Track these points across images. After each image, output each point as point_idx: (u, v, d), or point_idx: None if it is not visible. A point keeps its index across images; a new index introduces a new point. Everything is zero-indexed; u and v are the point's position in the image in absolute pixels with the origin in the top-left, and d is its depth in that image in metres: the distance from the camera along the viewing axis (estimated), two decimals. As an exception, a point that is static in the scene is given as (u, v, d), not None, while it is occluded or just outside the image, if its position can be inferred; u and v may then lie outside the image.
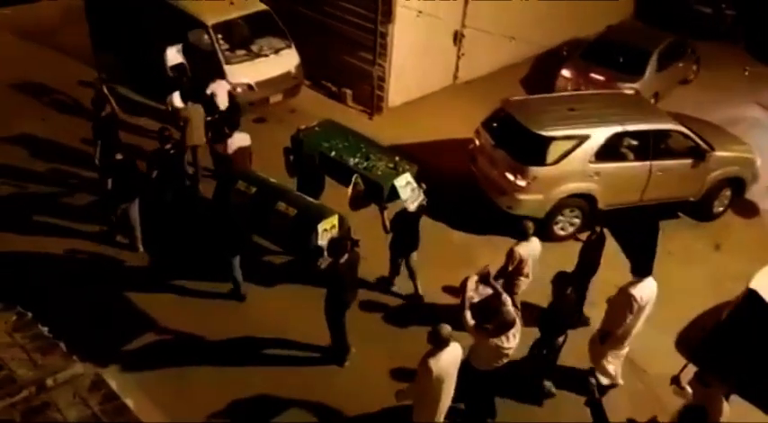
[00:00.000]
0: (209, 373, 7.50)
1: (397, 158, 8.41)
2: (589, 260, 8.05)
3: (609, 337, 7.12)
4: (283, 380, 7.43)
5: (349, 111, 12.58)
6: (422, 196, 8.05)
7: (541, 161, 9.33)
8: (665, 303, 7.42)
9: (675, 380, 6.48)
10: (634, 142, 9.79)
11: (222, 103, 10.38)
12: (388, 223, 7.98)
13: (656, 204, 9.95)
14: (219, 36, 11.44)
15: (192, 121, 9.64)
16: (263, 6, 12.00)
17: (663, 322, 7.91)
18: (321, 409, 7.22)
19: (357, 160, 8.36)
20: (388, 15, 11.75)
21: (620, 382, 7.52)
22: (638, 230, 7.88)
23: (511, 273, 7.73)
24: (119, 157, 8.71)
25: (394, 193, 7.96)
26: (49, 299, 7.51)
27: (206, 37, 11.41)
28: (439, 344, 5.95)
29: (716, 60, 14.44)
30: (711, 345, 7.64)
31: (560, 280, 6.90)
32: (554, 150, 9.32)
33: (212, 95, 10.35)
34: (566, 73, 12.91)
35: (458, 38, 12.92)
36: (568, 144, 9.36)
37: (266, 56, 11.82)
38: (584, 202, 9.67)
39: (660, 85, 12.98)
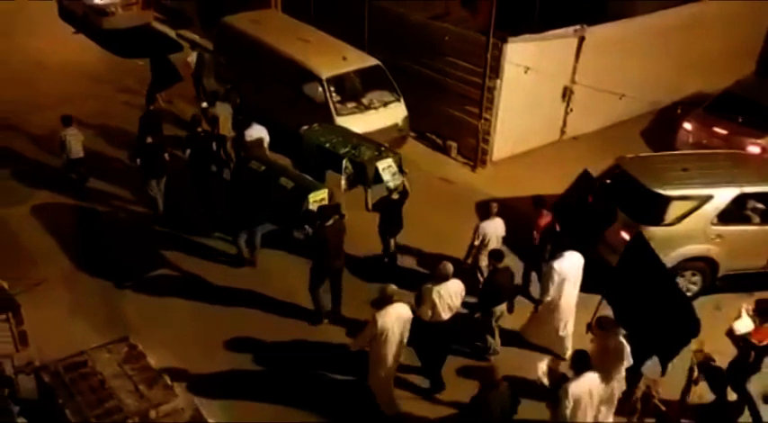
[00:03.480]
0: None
1: (382, 148, 9.95)
2: (541, 242, 8.89)
3: (538, 306, 8.27)
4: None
5: (452, 162, 12.65)
6: (401, 179, 9.33)
7: (659, 221, 8.97)
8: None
9: (590, 327, 7.29)
10: (760, 205, 9.25)
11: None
12: (370, 202, 9.28)
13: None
14: (332, 89, 11.92)
15: (220, 118, 11.39)
16: (374, 61, 12.43)
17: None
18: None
19: (347, 149, 9.94)
20: (496, 71, 11.82)
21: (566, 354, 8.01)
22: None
23: (477, 247, 8.85)
24: (149, 140, 10.40)
25: (379, 177, 9.29)
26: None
27: (320, 89, 11.92)
28: (383, 300, 7.08)
29: None
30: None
31: (493, 255, 8.13)
32: (673, 210, 8.98)
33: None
34: (687, 126, 12.48)
35: (567, 94, 12.77)
36: (689, 204, 9.00)
37: (375, 108, 12.19)
38: (704, 265, 9.19)
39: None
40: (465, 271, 8.65)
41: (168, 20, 18.23)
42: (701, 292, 9.36)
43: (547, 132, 13.03)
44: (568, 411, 6.35)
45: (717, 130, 12.14)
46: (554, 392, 6.50)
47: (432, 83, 12.88)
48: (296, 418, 7.63)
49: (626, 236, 8.99)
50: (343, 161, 9.36)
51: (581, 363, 6.46)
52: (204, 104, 11.92)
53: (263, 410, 7.69)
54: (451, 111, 12.76)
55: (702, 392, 7.52)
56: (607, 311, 7.34)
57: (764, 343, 7.31)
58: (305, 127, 10.54)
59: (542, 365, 7.00)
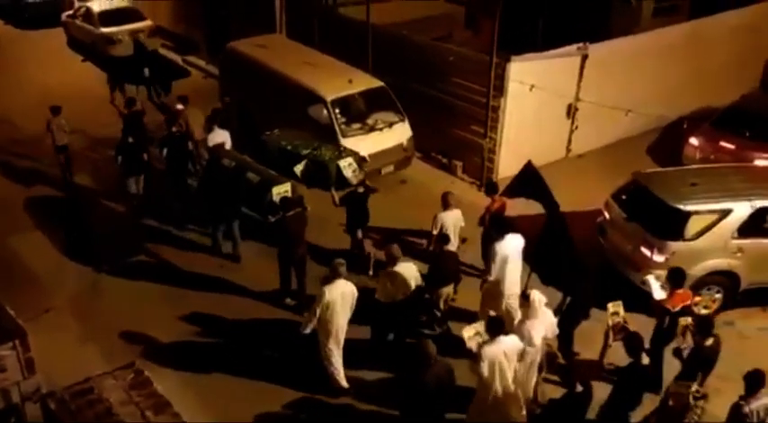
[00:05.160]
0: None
1: (342, 148, 10.93)
2: (490, 225, 9.23)
3: (483, 283, 8.74)
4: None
5: (458, 182, 12.64)
6: (362, 175, 10.19)
7: (679, 236, 8.92)
8: None
9: (524, 294, 7.74)
10: (780, 217, 9.14)
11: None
12: (337, 199, 9.92)
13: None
14: (337, 111, 12.00)
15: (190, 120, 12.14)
16: (379, 83, 12.50)
17: None
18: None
19: (308, 151, 10.89)
20: (500, 90, 11.86)
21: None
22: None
23: (436, 236, 9.16)
24: (130, 140, 11.21)
25: (341, 176, 10.15)
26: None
27: (325, 111, 11.99)
28: (333, 275, 7.73)
29: None
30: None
31: (441, 239, 8.83)
32: (693, 225, 8.92)
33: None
34: (694, 141, 12.44)
35: (571, 111, 12.77)
36: (709, 218, 8.93)
37: (380, 129, 12.24)
38: (725, 279, 9.10)
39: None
40: (428, 258, 9.22)
41: (175, 46, 18.49)
42: (724, 307, 9.27)
43: (552, 150, 12.98)
44: (486, 372, 6.90)
45: (724, 145, 12.09)
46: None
47: (436, 103, 12.93)
48: (251, 388, 8.17)
49: (647, 252, 8.98)
50: (303, 162, 10.26)
51: (495, 328, 7.03)
52: (180, 106, 12.36)
53: (221, 381, 8.27)
54: (456, 130, 12.79)
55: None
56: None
57: (678, 308, 7.66)
58: (266, 132, 11.63)
59: (467, 332, 7.39)
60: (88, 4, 18.83)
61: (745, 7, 14.45)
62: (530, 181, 8.77)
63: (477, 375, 7.03)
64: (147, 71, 14.94)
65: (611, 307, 7.79)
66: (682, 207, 8.95)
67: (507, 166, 12.47)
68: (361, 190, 10.04)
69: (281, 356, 8.70)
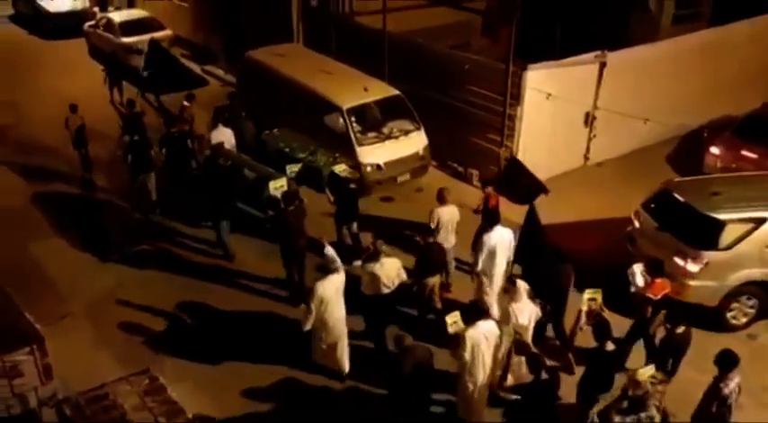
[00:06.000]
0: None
1: (336, 155, 11.56)
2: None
3: (472, 275, 9.08)
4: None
5: (474, 190, 12.56)
6: (357, 175, 10.79)
7: (714, 245, 8.78)
8: None
9: (510, 279, 8.20)
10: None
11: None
12: (331, 197, 10.36)
13: None
14: (353, 119, 12.02)
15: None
16: (395, 91, 12.52)
17: None
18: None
19: (305, 155, 11.77)
20: (517, 98, 11.81)
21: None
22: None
23: (434, 230, 9.39)
24: (135, 138, 11.54)
25: (334, 179, 10.49)
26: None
27: (341, 120, 12.02)
28: (325, 271, 8.00)
29: None
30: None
31: (426, 231, 9.22)
32: (728, 234, 8.78)
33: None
34: (715, 150, 12.29)
35: (589, 119, 12.68)
36: (744, 227, 8.80)
37: (396, 138, 12.24)
38: (760, 290, 8.96)
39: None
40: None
41: (194, 56, 18.67)
42: (757, 317, 9.14)
43: (570, 158, 12.91)
44: (467, 354, 7.22)
45: (746, 153, 11.92)
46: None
47: (452, 111, 12.90)
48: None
49: (680, 262, 8.87)
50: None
51: (473, 312, 7.43)
52: (185, 102, 12.81)
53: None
54: (472, 138, 12.74)
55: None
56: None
57: (659, 296, 7.87)
58: (266, 132, 12.35)
59: (450, 318, 7.46)
60: (110, 14, 19.13)
61: (766, 15, 14.27)
62: (515, 177, 9.23)
63: (459, 360, 7.32)
64: (145, 71, 15.08)
65: (588, 293, 7.89)
66: (716, 216, 8.82)
67: (524, 174, 12.44)
68: (352, 185, 10.36)
69: (277, 341, 9.00)
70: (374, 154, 11.89)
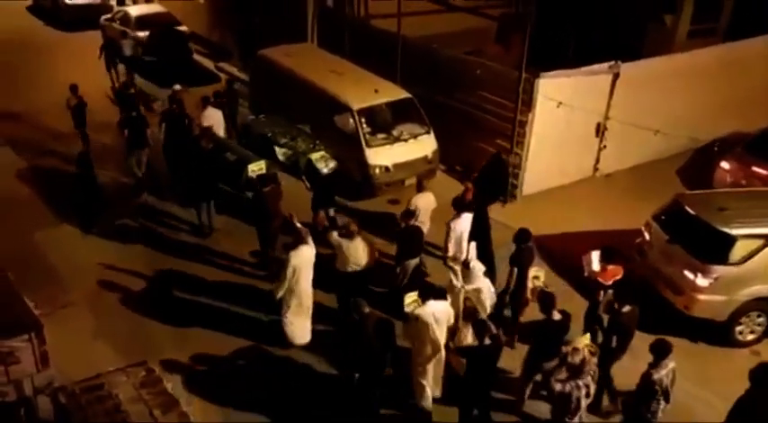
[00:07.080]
0: None
1: (317, 142, 12.01)
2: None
3: (444, 260, 9.32)
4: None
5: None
6: (333, 164, 10.84)
7: (724, 260, 8.70)
8: None
9: (465, 262, 8.48)
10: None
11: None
12: (308, 184, 10.82)
13: None
14: (363, 120, 11.99)
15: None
16: (406, 94, 12.50)
17: None
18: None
19: (286, 140, 12.32)
20: (528, 105, 11.75)
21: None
22: None
23: (411, 213, 9.57)
24: (133, 114, 12.10)
25: (311, 167, 10.93)
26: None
27: (351, 120, 12.00)
28: (297, 241, 8.44)
29: None
30: None
31: (404, 215, 9.45)
32: (739, 249, 8.71)
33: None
34: (725, 165, 12.18)
35: (600, 130, 12.60)
36: (756, 243, 8.72)
37: (405, 140, 12.21)
38: None
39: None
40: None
41: (208, 53, 18.72)
42: (765, 334, 9.06)
43: (579, 169, 12.83)
44: (415, 332, 7.60)
45: (756, 170, 11.80)
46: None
47: (463, 116, 12.85)
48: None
49: (690, 276, 8.80)
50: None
51: (426, 293, 7.73)
52: (177, 87, 12.88)
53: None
54: (482, 144, 12.68)
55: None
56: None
57: (609, 282, 8.15)
58: (251, 117, 13.09)
59: (408, 298, 7.70)
60: (126, 8, 19.21)
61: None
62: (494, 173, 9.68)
63: (409, 337, 7.71)
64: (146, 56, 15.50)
65: (532, 271, 8.40)
66: (728, 230, 8.73)
67: (532, 182, 12.37)
68: (325, 171, 10.70)
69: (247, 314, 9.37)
70: (382, 156, 11.86)
